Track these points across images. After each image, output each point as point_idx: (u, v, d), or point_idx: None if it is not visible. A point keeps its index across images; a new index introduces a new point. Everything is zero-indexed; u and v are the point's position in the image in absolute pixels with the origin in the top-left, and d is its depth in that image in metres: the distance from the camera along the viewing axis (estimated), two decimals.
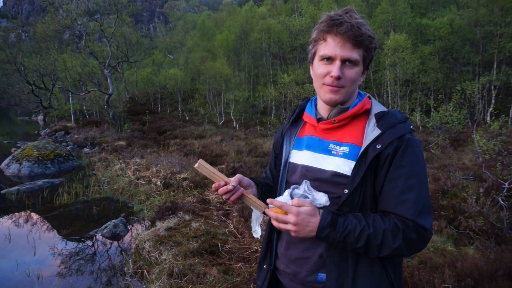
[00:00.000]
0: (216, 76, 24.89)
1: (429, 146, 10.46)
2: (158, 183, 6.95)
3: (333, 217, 1.12)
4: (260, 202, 1.25)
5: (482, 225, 4.27)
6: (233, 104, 23.37)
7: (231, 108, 23.31)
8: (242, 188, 1.25)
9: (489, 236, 4.11)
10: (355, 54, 1.15)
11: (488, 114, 19.34)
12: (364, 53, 1.17)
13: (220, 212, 5.47)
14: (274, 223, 1.14)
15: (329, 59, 1.18)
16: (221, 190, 1.23)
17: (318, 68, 1.22)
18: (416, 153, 1.15)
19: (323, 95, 1.23)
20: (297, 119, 1.43)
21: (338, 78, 1.17)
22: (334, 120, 1.25)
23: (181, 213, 5.12)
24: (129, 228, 5.17)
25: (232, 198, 1.24)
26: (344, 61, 1.16)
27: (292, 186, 1.21)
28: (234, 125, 22.10)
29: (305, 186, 1.19)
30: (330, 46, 1.16)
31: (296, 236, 1.13)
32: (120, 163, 9.10)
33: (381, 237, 1.09)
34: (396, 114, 1.21)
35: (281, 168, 1.37)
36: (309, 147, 1.30)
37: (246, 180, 1.32)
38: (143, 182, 7.28)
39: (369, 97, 1.31)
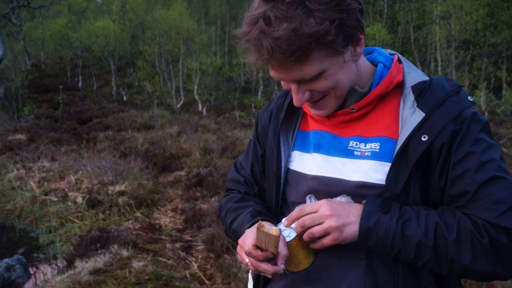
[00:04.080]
0: (171, 33, 24.72)
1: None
2: (79, 199, 6.87)
3: (384, 199, 1.17)
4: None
5: None
6: (198, 77, 23.29)
7: (195, 83, 23.23)
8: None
9: None
10: (306, 70, 1.13)
11: None
12: (324, 49, 1.11)
13: (177, 245, 5.45)
14: (305, 236, 1.19)
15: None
16: (270, 268, 1.21)
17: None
18: (484, 131, 1.17)
19: (308, 108, 1.34)
20: (293, 105, 1.42)
21: (308, 100, 1.23)
22: (353, 109, 1.26)
23: (116, 246, 5.07)
24: (32, 272, 5.10)
25: (270, 270, 1.21)
26: (300, 81, 1.18)
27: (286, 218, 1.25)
28: (199, 109, 22.06)
29: (311, 202, 1.23)
30: (270, 68, 1.18)
31: (341, 240, 1.17)
32: (18, 169, 8.95)
33: (456, 227, 1.10)
34: (443, 83, 1.23)
35: (282, 181, 1.40)
36: (319, 148, 1.32)
37: None
38: (55, 199, 7.19)
39: (398, 60, 1.32)
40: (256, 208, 1.41)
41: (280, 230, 1.15)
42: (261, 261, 1.20)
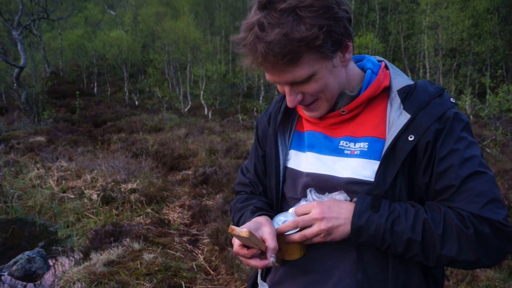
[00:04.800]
0: (179, 42, 24.71)
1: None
2: (94, 196, 6.87)
3: (374, 198, 1.17)
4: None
5: None
6: (204, 83, 23.27)
7: (201, 89, 23.21)
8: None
9: None
10: (297, 73, 1.15)
11: None
12: (314, 53, 1.13)
13: (185, 238, 5.45)
14: (297, 236, 1.20)
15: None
16: (259, 263, 1.23)
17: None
18: (466, 130, 1.19)
19: (302, 110, 1.35)
20: (290, 109, 1.45)
21: (300, 102, 1.24)
22: (343, 111, 1.27)
23: (128, 240, 5.07)
24: (51, 264, 5.10)
25: (259, 265, 1.24)
26: (292, 83, 1.19)
27: (287, 212, 1.27)
28: (205, 112, 22.03)
29: (312, 195, 1.25)
30: (265, 71, 1.20)
31: (330, 239, 1.18)
32: (38, 169, 8.94)
33: (442, 222, 1.11)
34: (427, 86, 1.24)
35: (281, 179, 1.41)
36: (311, 147, 1.33)
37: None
38: (72, 196, 7.19)
39: (386, 66, 1.33)
40: (256, 205, 1.41)
41: (249, 232, 1.14)
42: (250, 258, 1.21)
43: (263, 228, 1.23)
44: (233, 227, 1.16)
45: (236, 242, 1.23)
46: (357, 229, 1.15)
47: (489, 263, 1.12)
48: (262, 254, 1.22)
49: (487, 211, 1.09)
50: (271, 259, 1.19)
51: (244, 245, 1.21)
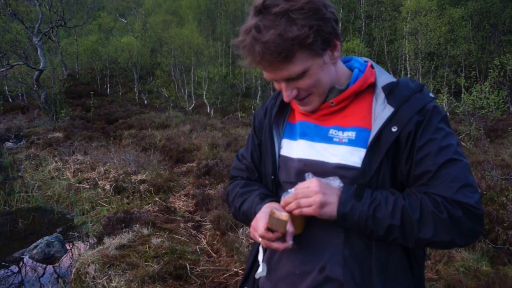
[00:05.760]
0: (184, 47, 24.68)
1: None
2: (107, 187, 6.87)
3: (357, 187, 1.18)
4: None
5: None
6: (206, 84, 23.25)
7: (204, 89, 23.19)
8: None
9: None
10: (292, 69, 1.16)
11: None
12: (306, 51, 1.14)
13: (189, 224, 5.46)
14: (293, 204, 1.20)
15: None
16: (280, 246, 1.24)
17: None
18: (443, 121, 1.19)
19: (296, 105, 1.35)
20: (284, 103, 1.45)
21: (295, 97, 1.24)
22: (332, 103, 1.27)
23: (138, 226, 5.07)
24: (68, 247, 5.09)
25: (280, 247, 1.24)
26: (288, 79, 1.20)
27: (289, 190, 1.27)
28: (208, 110, 22.03)
29: (309, 178, 1.24)
30: (263, 70, 1.21)
31: (319, 214, 1.18)
32: (56, 162, 8.94)
33: (419, 208, 1.12)
34: (409, 83, 1.25)
35: (277, 166, 1.41)
36: (304, 136, 1.33)
37: None
38: (87, 186, 7.19)
39: (371, 65, 1.34)
40: (262, 191, 1.42)
41: (288, 216, 1.19)
42: (273, 241, 1.22)
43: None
44: (274, 211, 1.19)
45: (260, 226, 1.23)
46: (342, 216, 1.16)
47: (463, 243, 1.13)
48: (281, 238, 1.23)
49: (460, 195, 1.10)
50: (290, 242, 1.21)
51: (268, 229, 1.21)
